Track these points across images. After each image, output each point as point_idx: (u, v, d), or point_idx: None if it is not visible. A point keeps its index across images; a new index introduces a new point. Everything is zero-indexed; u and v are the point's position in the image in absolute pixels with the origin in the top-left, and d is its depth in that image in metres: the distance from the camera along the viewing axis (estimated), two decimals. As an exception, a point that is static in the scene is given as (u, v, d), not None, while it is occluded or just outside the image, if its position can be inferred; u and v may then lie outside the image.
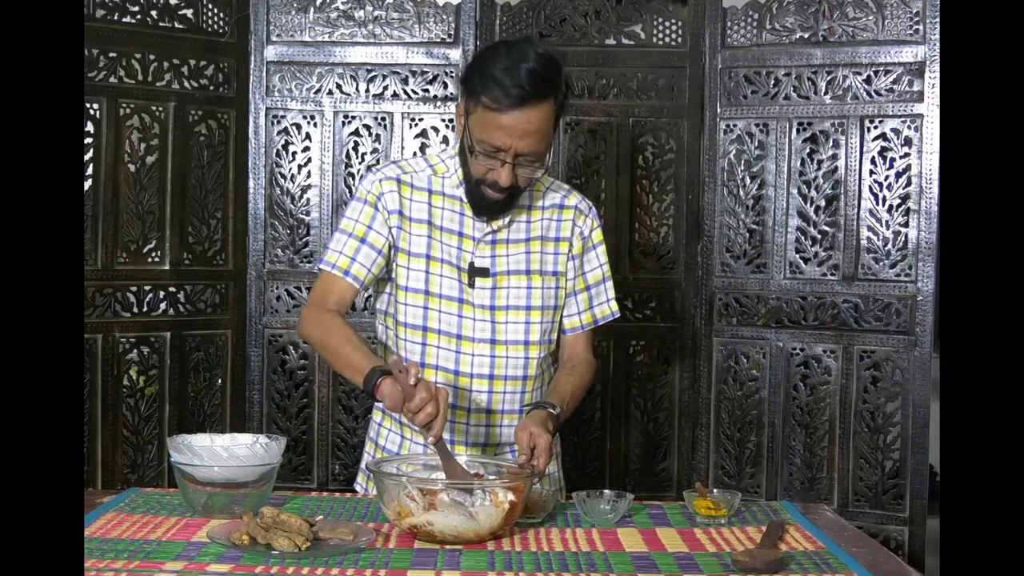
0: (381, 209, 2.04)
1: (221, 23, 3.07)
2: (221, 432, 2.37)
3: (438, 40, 3.09)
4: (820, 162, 3.00)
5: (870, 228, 2.95)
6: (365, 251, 2.03)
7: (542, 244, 2.10)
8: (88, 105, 2.84)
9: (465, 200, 2.04)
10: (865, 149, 2.96)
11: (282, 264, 3.11)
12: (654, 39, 3.12)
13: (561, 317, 2.14)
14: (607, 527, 1.82)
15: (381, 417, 2.17)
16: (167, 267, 3.01)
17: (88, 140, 2.86)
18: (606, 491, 1.91)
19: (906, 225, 2.92)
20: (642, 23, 3.12)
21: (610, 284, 2.18)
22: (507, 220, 2.06)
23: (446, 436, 2.01)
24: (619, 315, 2.22)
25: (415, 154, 3.06)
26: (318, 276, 2.10)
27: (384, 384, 1.83)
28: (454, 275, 2.04)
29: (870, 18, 2.95)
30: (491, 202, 1.99)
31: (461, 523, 1.66)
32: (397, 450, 2.12)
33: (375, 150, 3.11)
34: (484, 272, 2.04)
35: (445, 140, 3.08)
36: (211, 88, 3.07)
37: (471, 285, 2.04)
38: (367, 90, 3.11)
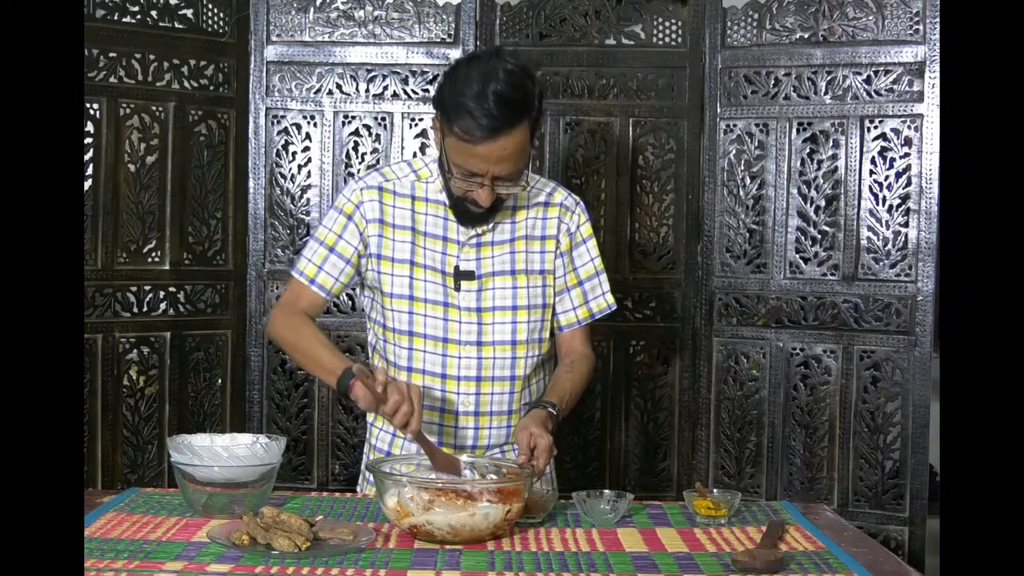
0: (358, 219, 2.05)
1: (221, 23, 3.07)
2: (221, 432, 2.37)
3: (438, 40, 3.09)
4: (820, 162, 3.00)
5: (870, 228, 2.95)
6: (332, 260, 2.06)
7: (527, 243, 2.10)
8: (88, 105, 2.84)
9: (448, 205, 2.05)
10: (865, 149, 2.95)
11: (282, 264, 3.11)
12: (654, 39, 3.12)
13: (556, 314, 2.14)
14: (607, 527, 1.82)
15: (373, 418, 2.18)
16: (167, 267, 3.01)
17: (88, 140, 2.86)
18: (606, 491, 1.92)
19: (906, 225, 2.92)
20: (642, 23, 3.12)
21: (604, 278, 2.18)
22: (492, 223, 2.07)
23: (433, 438, 2.02)
24: (616, 308, 2.22)
25: (414, 154, 3.06)
26: (289, 281, 2.14)
27: (357, 385, 1.86)
28: (438, 280, 2.04)
29: (870, 18, 2.95)
30: (473, 216, 2.01)
31: (459, 521, 1.66)
32: (388, 448, 2.13)
33: (375, 150, 3.11)
34: (469, 275, 2.05)
35: (445, 140, 3.08)
36: (211, 88, 3.07)
37: (456, 288, 2.04)
38: (367, 90, 3.11)
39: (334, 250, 2.06)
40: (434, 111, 1.99)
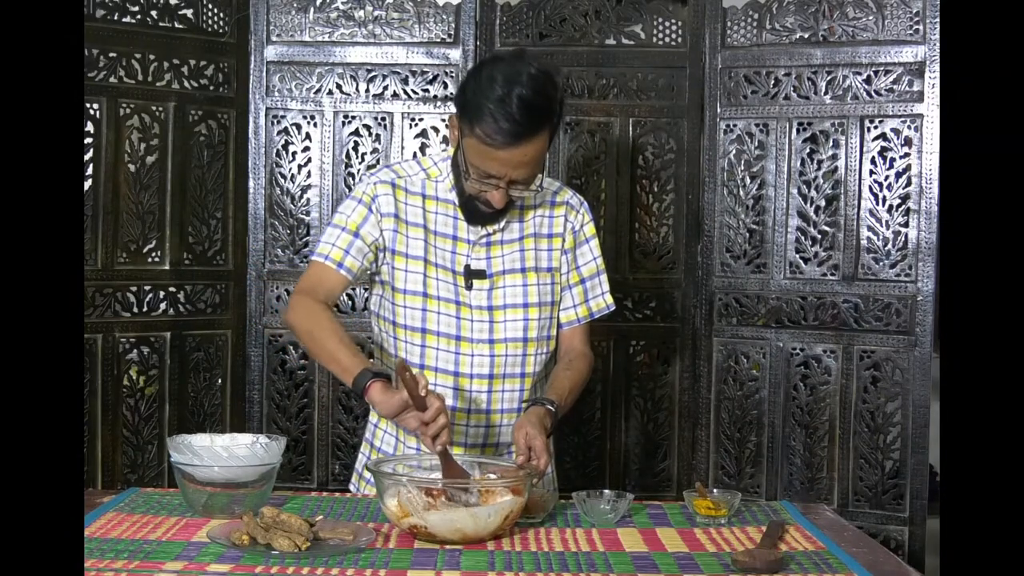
0: (375, 211, 2.04)
1: (221, 23, 3.07)
2: (221, 432, 2.37)
3: (438, 40, 3.09)
4: (820, 162, 3.00)
5: (870, 228, 2.95)
6: (358, 245, 2.04)
7: (536, 241, 2.11)
8: (88, 105, 2.84)
9: (458, 204, 2.05)
10: (865, 149, 2.95)
11: (282, 264, 3.11)
12: (654, 39, 3.12)
13: (558, 312, 2.15)
14: (607, 527, 1.82)
15: (377, 419, 2.17)
16: (167, 267, 3.01)
17: (88, 140, 2.86)
18: (606, 491, 1.91)
19: (906, 225, 2.92)
20: (642, 23, 3.12)
21: (604, 278, 2.19)
22: (502, 223, 2.07)
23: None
24: (614, 308, 2.22)
25: (415, 154, 3.06)
26: (308, 266, 2.10)
27: (375, 388, 1.84)
28: (449, 279, 2.04)
29: (870, 18, 2.95)
30: (484, 216, 2.01)
31: (459, 521, 1.66)
32: (392, 452, 2.13)
33: (375, 150, 3.11)
34: (481, 274, 2.05)
35: (445, 140, 3.08)
36: (211, 88, 3.06)
37: (468, 288, 2.04)
38: (367, 90, 3.11)
39: (358, 235, 2.03)
40: (454, 110, 1.99)
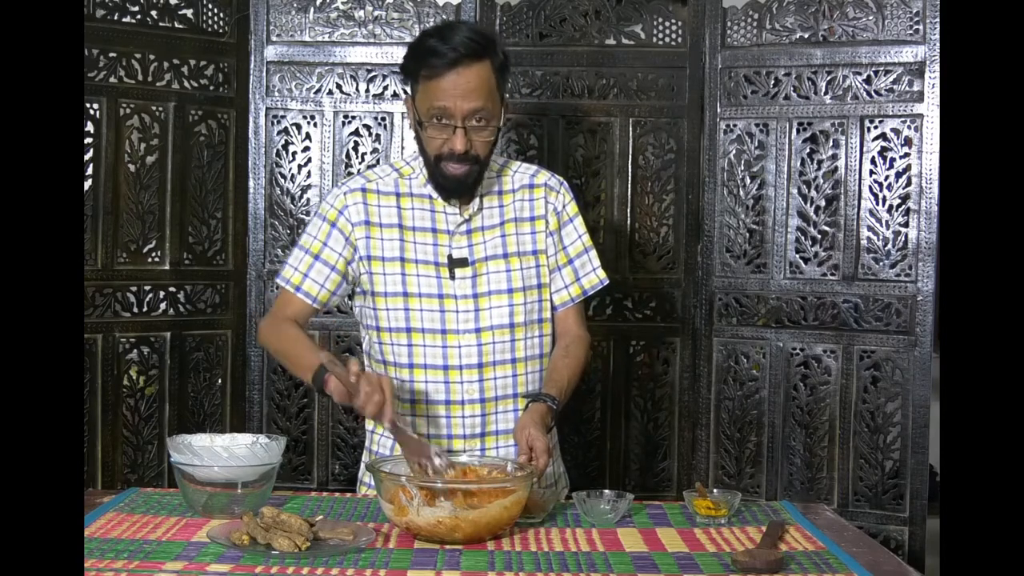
0: (343, 225, 2.07)
1: (221, 23, 3.07)
2: (221, 432, 2.37)
3: (438, 40, 3.09)
4: (820, 162, 3.00)
5: (870, 228, 2.95)
6: (318, 267, 2.09)
7: (517, 225, 2.11)
8: (88, 105, 2.84)
9: (434, 196, 2.07)
10: (865, 149, 2.96)
11: (282, 264, 3.11)
12: (654, 39, 3.12)
13: (550, 293, 2.15)
14: (607, 527, 1.82)
15: (373, 424, 2.17)
16: (167, 267, 3.01)
17: (88, 140, 2.86)
18: (606, 491, 1.91)
19: (906, 225, 2.92)
20: (642, 23, 3.12)
21: (594, 254, 2.19)
22: (479, 207, 2.08)
23: (442, 431, 2.05)
24: (608, 283, 2.21)
25: (414, 154, 3.06)
26: (277, 290, 2.19)
27: (331, 380, 1.89)
28: (431, 272, 2.05)
29: (870, 18, 2.95)
30: (455, 179, 2.01)
31: (459, 521, 1.65)
32: (389, 454, 2.13)
33: (375, 150, 3.11)
34: (463, 262, 2.06)
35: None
36: (211, 88, 3.07)
37: (451, 277, 2.05)
38: (367, 90, 3.11)
39: (319, 257, 2.08)
40: (405, 93, 2.06)
